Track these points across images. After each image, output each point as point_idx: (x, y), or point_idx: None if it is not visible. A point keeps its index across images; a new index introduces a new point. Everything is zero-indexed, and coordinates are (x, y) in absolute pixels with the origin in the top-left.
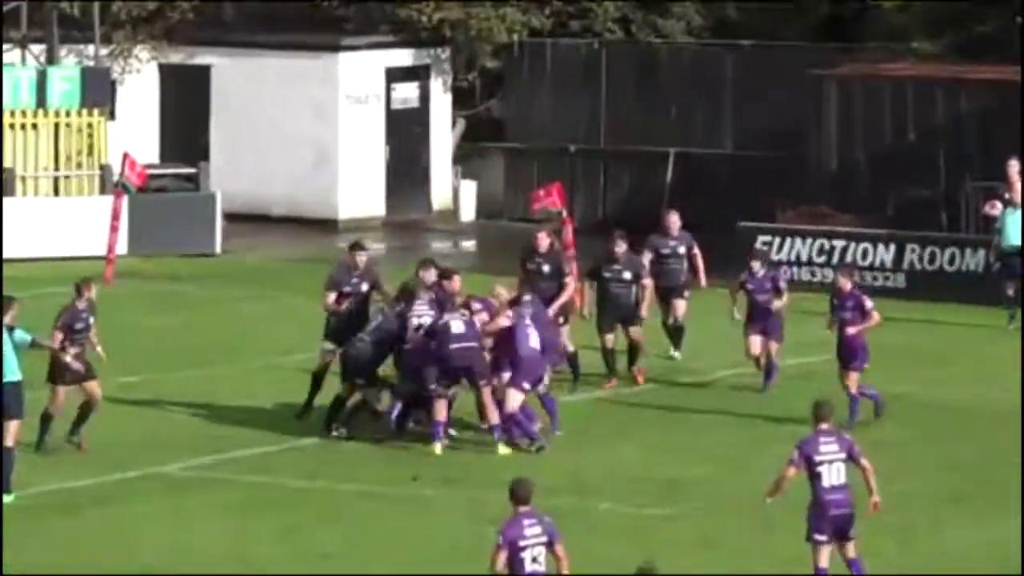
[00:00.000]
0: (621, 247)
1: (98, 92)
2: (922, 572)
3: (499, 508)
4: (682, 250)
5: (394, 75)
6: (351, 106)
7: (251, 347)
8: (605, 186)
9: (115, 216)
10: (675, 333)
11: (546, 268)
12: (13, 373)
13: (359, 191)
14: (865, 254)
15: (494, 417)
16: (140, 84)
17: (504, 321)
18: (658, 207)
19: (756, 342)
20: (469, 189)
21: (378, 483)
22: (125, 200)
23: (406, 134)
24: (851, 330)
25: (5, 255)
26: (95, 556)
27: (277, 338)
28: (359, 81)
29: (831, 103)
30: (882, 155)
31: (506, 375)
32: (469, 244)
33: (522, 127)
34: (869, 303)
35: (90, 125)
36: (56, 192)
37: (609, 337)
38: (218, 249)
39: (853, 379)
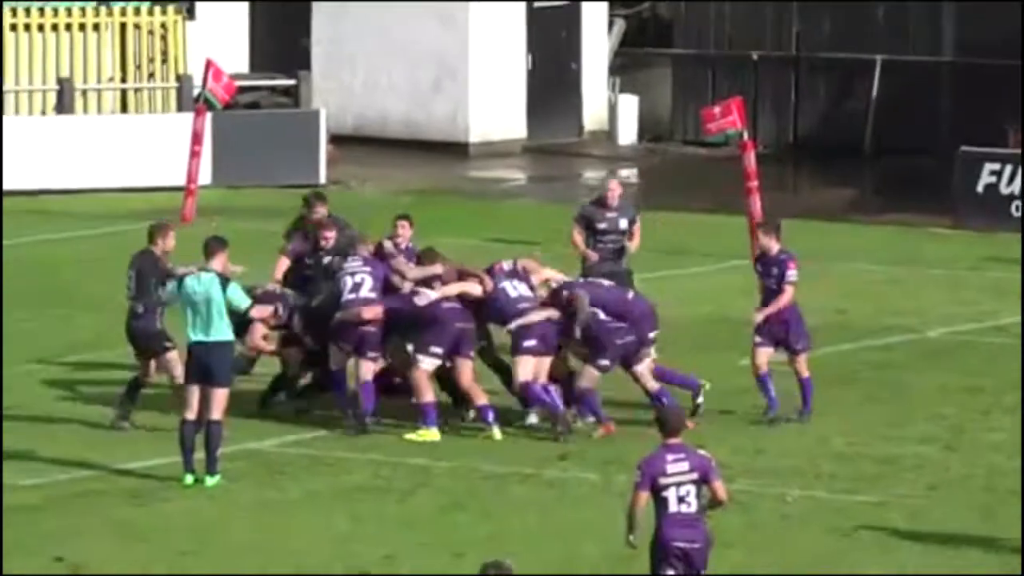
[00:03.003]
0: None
1: None
2: None
3: None
4: (623, 224)
5: None
6: (483, 4)
7: None
8: (796, 103)
9: (196, 138)
10: None
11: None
12: (222, 331)
13: (494, 109)
14: None
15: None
16: None
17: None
18: (861, 128)
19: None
20: (629, 106)
21: (516, 463)
22: (208, 118)
23: (551, 39)
24: (758, 316)
25: (62, 184)
26: (165, 556)
27: None
28: None
29: None
30: None
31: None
32: (629, 173)
33: (695, 30)
34: (790, 273)
35: (164, 26)
36: (124, 108)
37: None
38: (323, 179)
39: (801, 363)
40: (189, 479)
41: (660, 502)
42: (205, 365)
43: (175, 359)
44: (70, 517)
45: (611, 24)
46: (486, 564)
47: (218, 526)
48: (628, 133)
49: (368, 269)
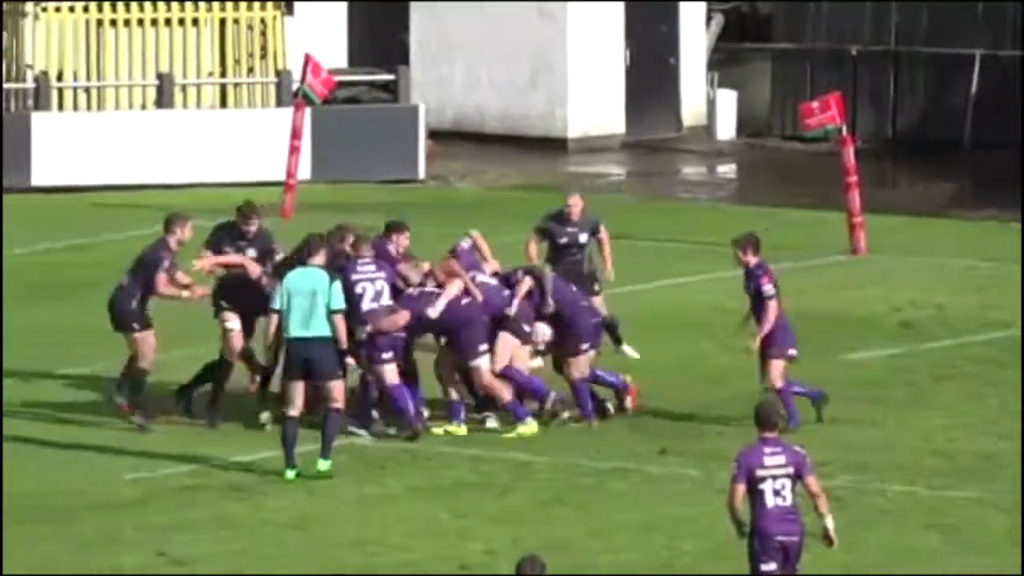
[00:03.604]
0: None
1: None
2: None
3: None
4: (584, 238)
5: None
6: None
7: None
8: (895, 97)
9: (295, 133)
10: (609, 330)
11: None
12: (324, 327)
13: (592, 104)
14: None
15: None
16: None
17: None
18: (960, 123)
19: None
20: (728, 101)
21: (616, 459)
22: (307, 113)
23: (650, 33)
24: (754, 344)
25: (160, 179)
26: (267, 551)
27: None
28: None
29: None
30: None
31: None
32: (728, 168)
33: (793, 24)
34: (767, 287)
35: (263, 21)
36: (223, 103)
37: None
38: (421, 174)
39: (774, 369)
40: (290, 474)
41: (757, 496)
42: (307, 361)
43: (145, 342)
44: (172, 511)
45: (709, 19)
46: (522, 560)
47: (320, 521)
48: (727, 128)
49: (383, 275)
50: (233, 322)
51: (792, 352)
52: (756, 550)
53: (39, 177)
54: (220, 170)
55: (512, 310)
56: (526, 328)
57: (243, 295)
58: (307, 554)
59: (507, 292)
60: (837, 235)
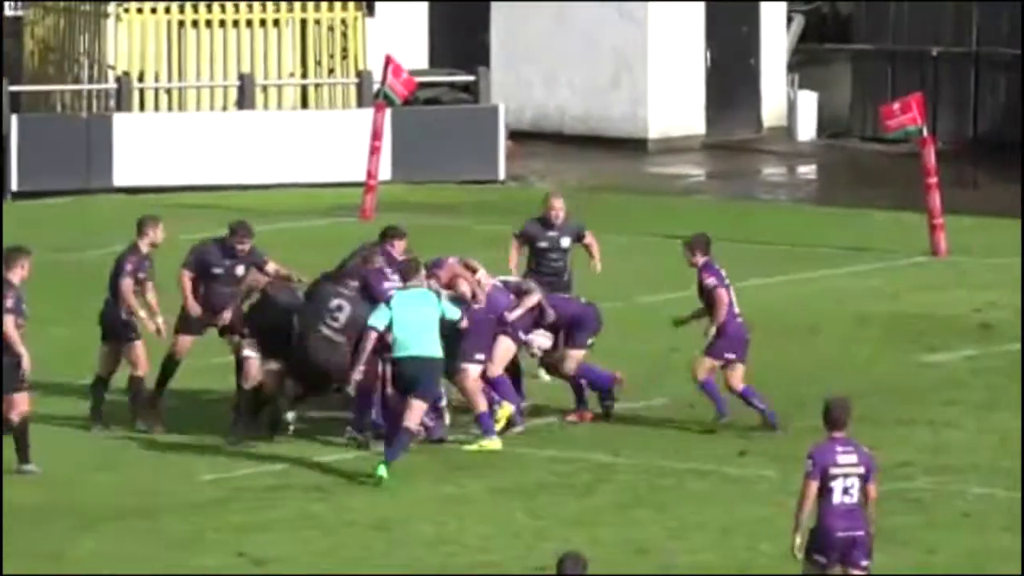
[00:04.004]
0: None
1: None
2: None
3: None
4: (566, 243)
5: None
6: (663, 0)
7: None
8: (976, 98)
9: (376, 134)
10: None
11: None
12: (433, 347)
13: (673, 104)
14: None
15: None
16: None
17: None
18: None
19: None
20: (808, 102)
21: (695, 460)
22: (388, 114)
23: (730, 34)
24: (711, 331)
25: (241, 180)
26: (347, 551)
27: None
28: None
29: None
30: None
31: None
32: (808, 169)
33: (874, 25)
34: (709, 281)
35: (344, 22)
36: (304, 104)
37: None
38: (502, 175)
39: (731, 376)
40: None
41: (824, 493)
42: (412, 378)
43: (139, 350)
44: (254, 512)
45: (790, 19)
46: (564, 557)
47: (399, 521)
48: (807, 129)
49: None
50: (250, 350)
51: (729, 356)
52: (814, 543)
53: (120, 178)
54: (301, 171)
55: (513, 316)
56: (521, 335)
57: (263, 320)
58: (386, 554)
59: (511, 296)
60: (917, 236)
